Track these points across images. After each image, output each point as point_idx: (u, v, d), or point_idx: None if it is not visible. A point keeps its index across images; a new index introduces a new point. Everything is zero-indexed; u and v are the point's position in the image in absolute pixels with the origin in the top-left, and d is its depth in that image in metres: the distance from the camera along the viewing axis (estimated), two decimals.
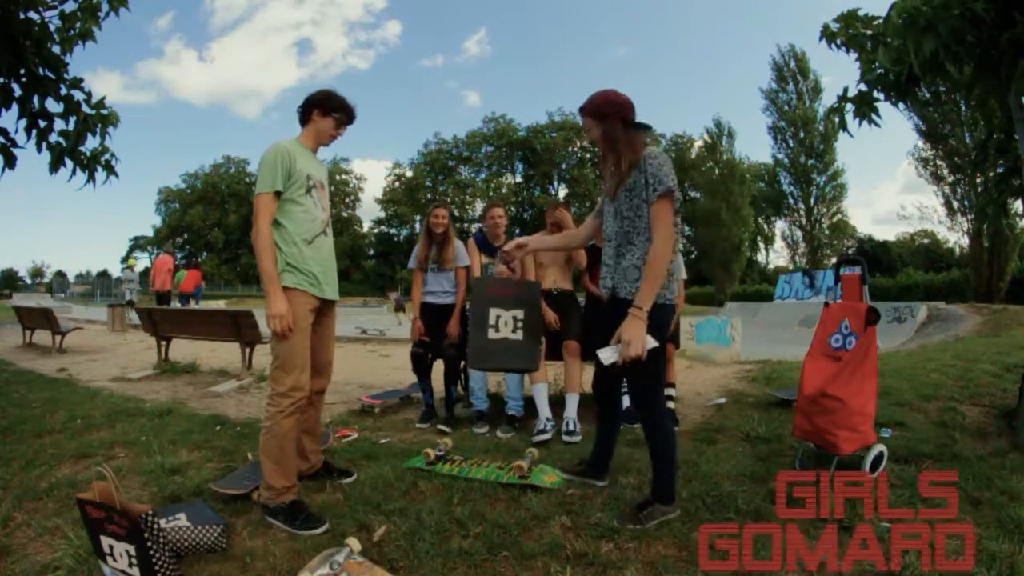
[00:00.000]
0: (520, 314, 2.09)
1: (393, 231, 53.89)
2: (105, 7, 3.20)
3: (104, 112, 3.29)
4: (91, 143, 3.32)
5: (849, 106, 3.05)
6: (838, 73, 49.05)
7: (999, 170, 3.44)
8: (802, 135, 31.53)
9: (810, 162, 31.81)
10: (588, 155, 44.92)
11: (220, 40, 76.87)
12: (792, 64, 32.11)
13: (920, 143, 22.41)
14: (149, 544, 1.55)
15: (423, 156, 51.53)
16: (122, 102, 64.17)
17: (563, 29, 75.22)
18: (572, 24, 75.33)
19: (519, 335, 2.06)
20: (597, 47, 75.35)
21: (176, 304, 11.84)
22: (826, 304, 2.55)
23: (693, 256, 39.20)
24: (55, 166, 3.22)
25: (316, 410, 2.41)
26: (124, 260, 51.07)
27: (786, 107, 32.08)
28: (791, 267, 32.14)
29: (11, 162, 3.10)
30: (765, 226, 39.46)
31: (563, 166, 45.86)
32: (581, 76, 73.08)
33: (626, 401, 3.52)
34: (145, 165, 71.69)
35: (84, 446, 2.96)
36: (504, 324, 2.08)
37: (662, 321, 1.92)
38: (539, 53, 75.32)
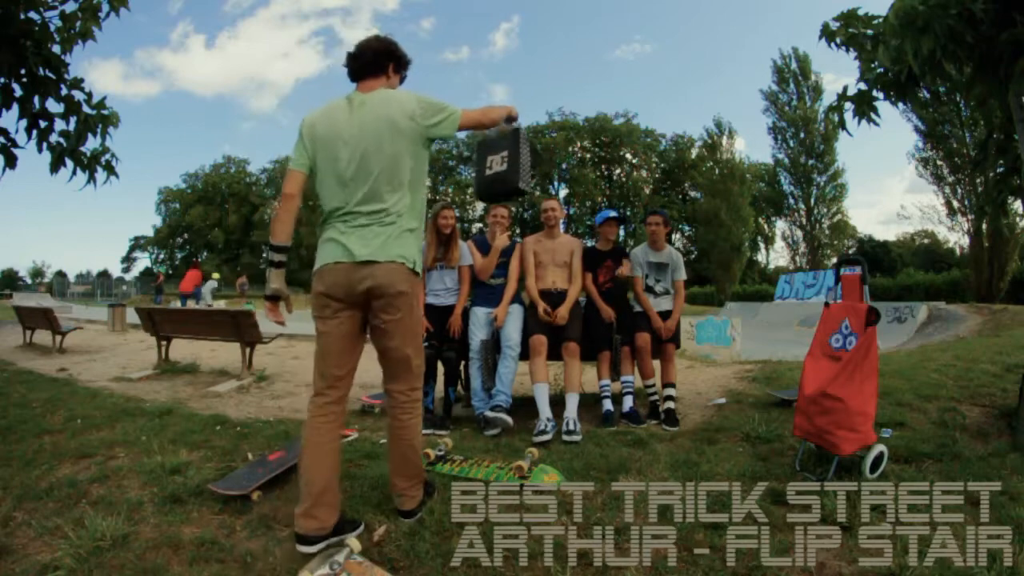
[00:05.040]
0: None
1: None
2: (105, 7, 3.20)
3: (105, 112, 3.29)
4: (91, 143, 3.32)
5: (848, 105, 3.05)
6: (838, 73, 49.06)
7: (999, 170, 3.44)
8: (802, 135, 31.58)
9: (810, 162, 31.86)
10: (588, 155, 44.96)
11: (233, 27, 74.78)
12: (793, 65, 32.17)
13: (920, 143, 22.50)
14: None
15: None
16: (123, 93, 63.90)
17: (565, 29, 75.23)
18: (574, 24, 75.34)
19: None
20: (599, 47, 75.34)
21: (176, 304, 11.87)
22: (826, 304, 2.55)
23: (693, 256, 39.20)
24: (55, 166, 3.22)
25: None
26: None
27: (786, 108, 32.13)
28: (791, 267, 32.17)
29: (12, 162, 3.10)
30: (765, 226, 39.47)
31: (563, 166, 45.87)
32: (583, 75, 73.26)
33: (628, 402, 3.53)
34: (147, 160, 70.97)
35: (84, 446, 2.96)
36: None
37: None
38: (540, 53, 75.37)
